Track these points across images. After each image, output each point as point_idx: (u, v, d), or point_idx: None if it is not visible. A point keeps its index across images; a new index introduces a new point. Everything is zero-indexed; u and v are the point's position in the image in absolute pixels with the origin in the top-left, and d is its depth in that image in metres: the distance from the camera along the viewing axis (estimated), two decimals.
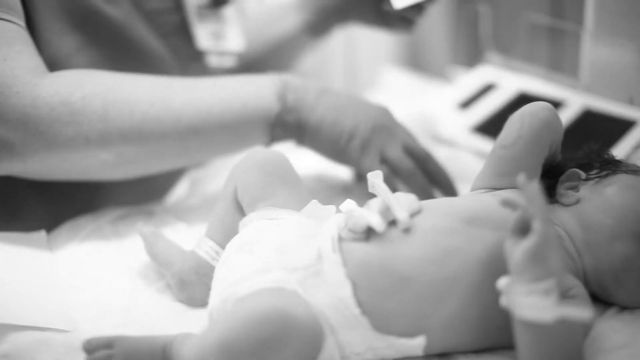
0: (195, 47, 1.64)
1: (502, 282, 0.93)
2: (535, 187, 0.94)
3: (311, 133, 1.41)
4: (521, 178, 0.94)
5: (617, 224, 1.10)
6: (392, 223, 1.06)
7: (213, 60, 1.67)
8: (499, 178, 1.16)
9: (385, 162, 1.41)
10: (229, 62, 1.71)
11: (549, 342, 0.93)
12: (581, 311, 0.89)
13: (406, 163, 1.42)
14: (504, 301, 0.93)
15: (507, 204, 0.98)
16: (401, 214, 1.05)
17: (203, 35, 1.64)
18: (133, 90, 1.30)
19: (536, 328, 0.91)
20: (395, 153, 1.42)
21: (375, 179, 1.09)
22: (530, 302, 0.90)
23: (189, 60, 1.64)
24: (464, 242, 1.04)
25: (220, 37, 1.68)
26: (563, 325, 0.90)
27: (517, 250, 0.92)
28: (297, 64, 1.99)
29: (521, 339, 0.95)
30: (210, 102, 1.34)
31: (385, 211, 1.05)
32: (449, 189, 1.46)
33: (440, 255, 1.02)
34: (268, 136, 1.40)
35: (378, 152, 1.42)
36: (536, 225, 0.92)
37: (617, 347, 1.05)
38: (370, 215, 1.04)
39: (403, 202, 1.07)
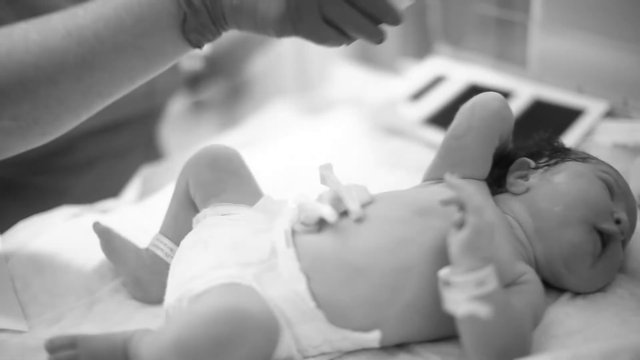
0: None
1: (442, 272, 0.96)
2: (461, 182, 0.98)
3: (232, 9, 1.17)
4: (447, 176, 0.99)
5: (566, 211, 1.11)
6: (344, 214, 1.06)
7: (184, 64, 1.64)
8: (450, 168, 1.16)
9: (329, 23, 1.17)
10: (198, 64, 1.68)
11: (483, 331, 0.94)
12: (482, 309, 0.92)
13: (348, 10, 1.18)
14: (442, 292, 0.96)
15: (444, 202, 1.00)
16: (353, 205, 1.05)
17: None
18: (3, 41, 1.13)
19: (466, 319, 0.94)
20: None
21: (326, 171, 1.09)
22: (449, 296, 0.94)
23: None
24: (415, 232, 1.04)
25: None
26: (498, 316, 0.93)
27: (453, 243, 0.96)
28: (256, 58, 1.98)
29: (459, 327, 0.97)
30: (97, 27, 1.13)
31: (337, 202, 1.06)
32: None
33: (392, 245, 1.02)
34: (182, 42, 1.17)
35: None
36: (468, 218, 0.95)
37: (572, 333, 1.06)
38: (321, 206, 1.04)
39: (354, 193, 1.07)
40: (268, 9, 1.07)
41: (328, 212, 1.03)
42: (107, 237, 1.21)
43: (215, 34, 1.14)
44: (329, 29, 1.07)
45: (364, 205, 1.07)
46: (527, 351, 0.97)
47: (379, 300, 1.00)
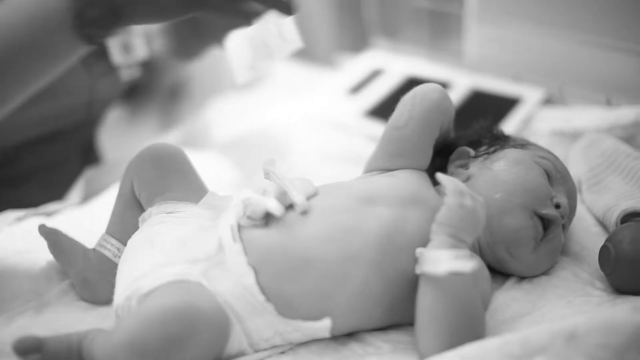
0: (109, 63, 1.59)
1: (418, 250, 1.00)
2: (446, 177, 1.02)
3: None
4: (438, 175, 1.03)
5: (505, 198, 1.12)
6: (290, 207, 1.06)
7: (124, 74, 1.62)
8: (391, 159, 1.18)
9: None
10: (137, 72, 1.66)
11: (445, 308, 0.96)
12: (465, 264, 0.96)
13: None
14: (417, 268, 0.99)
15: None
16: (298, 197, 1.05)
17: (115, 49, 1.58)
18: None
19: (435, 285, 0.97)
20: None
21: (270, 166, 1.09)
22: (429, 257, 0.97)
23: (101, 75, 1.59)
24: (361, 221, 1.05)
25: (129, 49, 1.61)
26: (461, 294, 0.96)
27: (435, 220, 1.00)
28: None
29: (418, 307, 0.99)
30: None
31: (282, 196, 1.06)
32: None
33: (339, 234, 1.03)
34: (78, 39, 1.13)
35: None
36: (446, 199, 1.00)
37: (519, 316, 1.07)
38: (267, 201, 1.04)
39: (299, 186, 1.08)
40: None
41: (274, 206, 1.03)
42: (54, 238, 1.19)
43: (113, 27, 1.12)
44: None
45: (309, 198, 1.07)
46: (482, 335, 0.98)
47: (328, 289, 1.01)
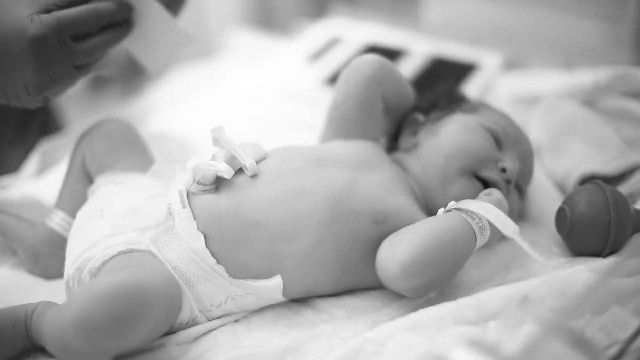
0: None
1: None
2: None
3: None
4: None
5: (447, 163, 1.12)
6: (240, 171, 1.05)
7: None
8: (336, 136, 1.18)
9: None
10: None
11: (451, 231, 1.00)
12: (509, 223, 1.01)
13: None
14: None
15: None
16: (248, 161, 1.05)
17: None
18: None
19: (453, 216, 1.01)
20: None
21: (218, 133, 1.08)
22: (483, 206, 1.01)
23: None
24: (312, 182, 1.05)
25: None
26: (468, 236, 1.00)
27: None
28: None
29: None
30: None
31: (232, 160, 1.05)
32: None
33: (288, 195, 1.03)
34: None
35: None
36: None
37: (478, 282, 1.08)
38: (217, 164, 1.03)
39: (248, 150, 1.07)
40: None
41: (223, 169, 1.03)
42: None
43: None
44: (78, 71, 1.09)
45: (259, 161, 1.07)
46: (447, 275, 1.02)
47: (278, 250, 1.01)
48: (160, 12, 1.17)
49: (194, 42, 1.26)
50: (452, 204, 1.04)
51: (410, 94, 1.25)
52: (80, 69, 1.10)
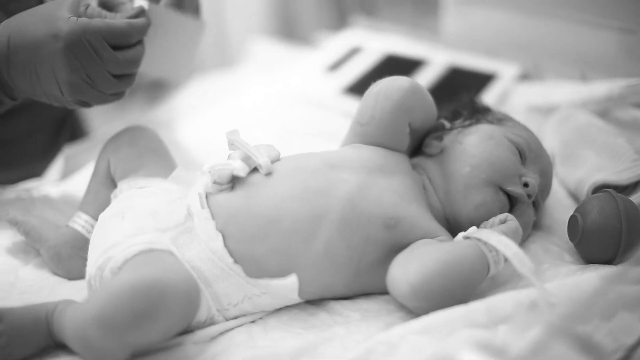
0: None
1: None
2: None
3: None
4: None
5: (472, 172, 1.13)
6: (255, 170, 1.08)
7: None
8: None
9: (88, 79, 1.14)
10: None
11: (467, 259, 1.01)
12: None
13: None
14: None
15: None
16: (262, 159, 1.07)
17: None
18: None
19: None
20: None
21: (233, 135, 1.10)
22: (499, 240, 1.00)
23: None
24: (325, 182, 1.07)
25: None
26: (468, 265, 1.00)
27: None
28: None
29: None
30: None
31: (247, 159, 1.08)
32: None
33: (303, 193, 1.05)
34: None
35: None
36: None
37: (490, 290, 1.08)
38: (232, 162, 1.06)
39: (263, 150, 1.10)
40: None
41: (239, 167, 1.05)
42: (23, 219, 1.20)
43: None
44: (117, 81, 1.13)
45: (273, 162, 1.09)
46: (459, 300, 1.00)
47: (293, 249, 1.03)
48: (166, 12, 1.20)
49: (206, 28, 1.28)
50: (472, 230, 1.05)
51: (435, 114, 1.23)
52: (121, 78, 1.14)
